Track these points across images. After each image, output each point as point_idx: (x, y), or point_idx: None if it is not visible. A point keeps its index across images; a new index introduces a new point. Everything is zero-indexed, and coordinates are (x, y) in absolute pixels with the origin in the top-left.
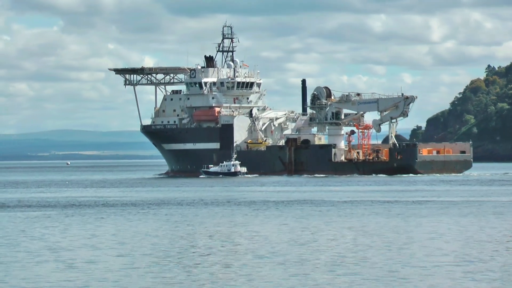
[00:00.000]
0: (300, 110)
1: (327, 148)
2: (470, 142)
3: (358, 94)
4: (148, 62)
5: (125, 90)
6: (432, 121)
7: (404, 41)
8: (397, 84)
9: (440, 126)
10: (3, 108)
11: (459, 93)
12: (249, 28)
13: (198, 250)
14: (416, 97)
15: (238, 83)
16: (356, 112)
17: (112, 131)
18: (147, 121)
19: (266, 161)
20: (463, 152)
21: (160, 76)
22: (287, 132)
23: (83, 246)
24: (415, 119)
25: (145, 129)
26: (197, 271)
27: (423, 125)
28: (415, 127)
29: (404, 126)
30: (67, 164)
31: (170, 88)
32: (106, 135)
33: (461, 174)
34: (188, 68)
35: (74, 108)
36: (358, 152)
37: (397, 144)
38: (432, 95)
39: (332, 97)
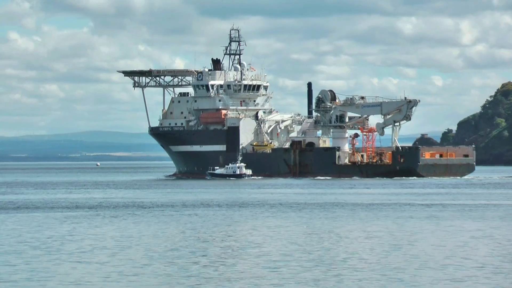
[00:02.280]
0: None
1: (331, 151)
2: (473, 146)
3: (362, 98)
4: (179, 63)
5: (134, 91)
6: (463, 125)
7: (434, 44)
8: (428, 87)
9: (471, 129)
10: (34, 109)
11: (490, 96)
12: (280, 30)
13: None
14: (419, 100)
15: (245, 85)
16: (360, 116)
17: (142, 132)
18: (156, 123)
19: (271, 163)
20: (466, 155)
21: (168, 79)
22: (293, 134)
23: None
24: (446, 122)
25: (153, 131)
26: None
27: (454, 128)
28: (446, 130)
29: (435, 129)
30: (97, 165)
31: (178, 90)
32: (136, 136)
33: (464, 177)
34: (195, 71)
35: (105, 109)
36: (362, 155)
37: (400, 148)
38: (463, 98)
39: (337, 100)
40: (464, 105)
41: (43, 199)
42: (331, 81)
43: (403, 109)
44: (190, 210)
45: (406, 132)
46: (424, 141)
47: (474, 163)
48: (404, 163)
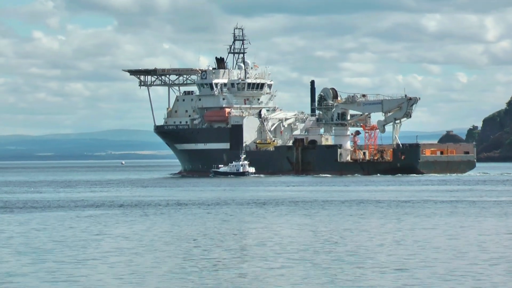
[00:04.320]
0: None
1: (333, 149)
2: (474, 143)
3: (364, 95)
4: (204, 62)
5: (140, 90)
6: (488, 121)
7: (459, 41)
8: (452, 84)
9: (496, 126)
10: (60, 107)
11: None
12: (304, 27)
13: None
14: (419, 98)
15: (249, 84)
16: (361, 113)
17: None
18: (162, 122)
19: (274, 161)
20: (467, 152)
21: (173, 77)
22: (297, 132)
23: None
24: (471, 119)
25: (158, 129)
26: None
27: (479, 125)
28: (471, 127)
29: (461, 125)
30: (122, 163)
31: (183, 89)
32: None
33: (465, 174)
34: (199, 70)
35: (130, 108)
36: (364, 153)
37: (401, 145)
38: (487, 94)
39: (339, 98)
40: (489, 102)
41: (66, 197)
42: (356, 78)
43: (403, 106)
44: (217, 208)
45: (431, 129)
46: (449, 138)
47: (475, 160)
48: (404, 160)
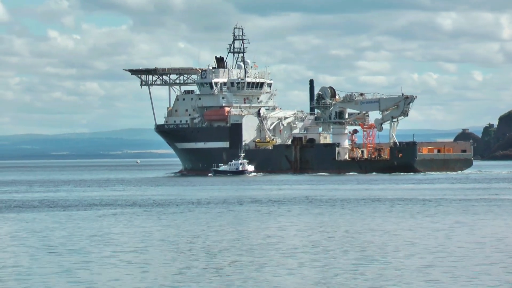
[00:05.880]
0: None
1: (331, 147)
2: (471, 141)
3: (362, 94)
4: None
5: (141, 90)
6: (504, 119)
7: (474, 39)
8: (468, 82)
9: None
10: (75, 106)
11: None
12: (319, 26)
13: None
14: (416, 96)
15: (248, 83)
16: (359, 112)
17: None
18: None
19: (273, 159)
20: (464, 151)
21: (174, 77)
22: (296, 131)
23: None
24: (487, 117)
25: (159, 129)
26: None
27: (495, 123)
28: (487, 125)
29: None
30: (137, 162)
31: (184, 88)
32: None
33: (462, 172)
34: (199, 69)
35: (145, 106)
36: (362, 151)
37: (398, 143)
38: (503, 93)
39: (337, 97)
40: (505, 100)
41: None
42: (371, 76)
43: (400, 105)
44: (230, 207)
45: (447, 127)
46: (465, 136)
47: (472, 158)
48: (401, 159)
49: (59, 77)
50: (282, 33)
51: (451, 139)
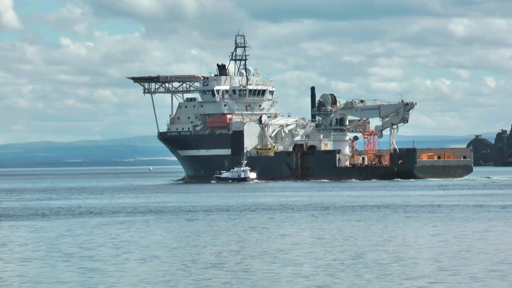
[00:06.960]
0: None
1: (332, 154)
2: (471, 148)
3: (362, 101)
4: (232, 67)
5: (144, 97)
6: None
7: (487, 45)
8: (481, 88)
9: None
10: (89, 114)
11: None
12: (332, 33)
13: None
14: (416, 103)
15: (250, 90)
16: (359, 119)
17: None
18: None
19: (274, 166)
20: (464, 157)
21: (176, 84)
22: (297, 138)
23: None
24: (500, 123)
25: (161, 136)
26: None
27: (508, 129)
28: (500, 131)
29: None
30: (150, 169)
31: (187, 96)
32: None
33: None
34: (201, 76)
35: (158, 114)
36: (363, 158)
37: (398, 150)
38: None
39: (337, 104)
40: None
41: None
42: (384, 83)
43: (400, 111)
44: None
45: (460, 134)
46: (478, 142)
47: (472, 164)
48: (401, 165)
49: (72, 85)
50: (295, 40)
51: (464, 145)
